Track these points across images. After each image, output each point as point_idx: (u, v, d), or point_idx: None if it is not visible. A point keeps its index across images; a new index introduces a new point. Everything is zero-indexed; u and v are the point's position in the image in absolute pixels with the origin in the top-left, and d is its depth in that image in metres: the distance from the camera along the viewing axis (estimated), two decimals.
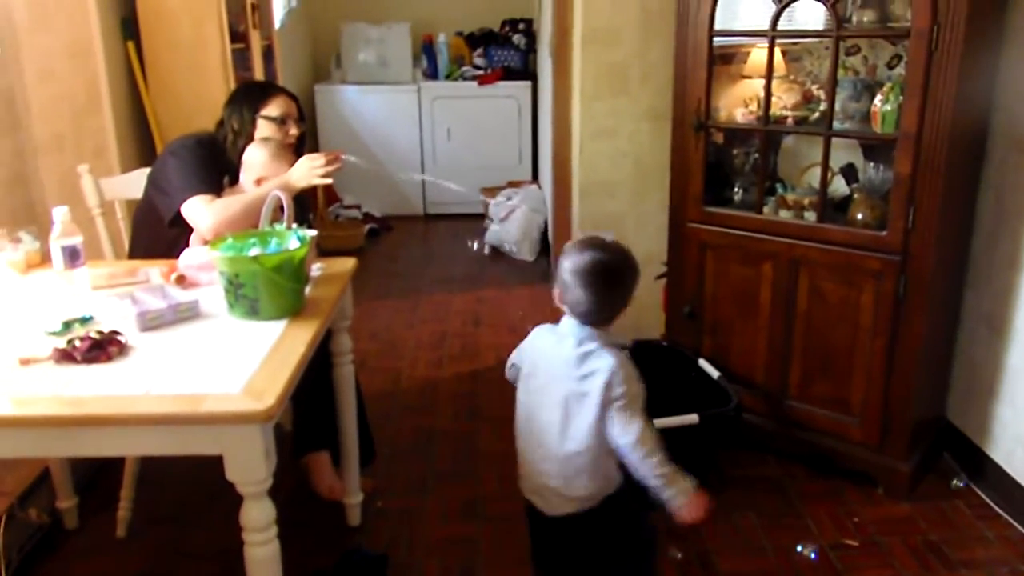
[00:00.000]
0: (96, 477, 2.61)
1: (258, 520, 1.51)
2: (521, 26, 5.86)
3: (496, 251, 5.07)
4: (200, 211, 2.20)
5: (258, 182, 2.24)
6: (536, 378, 1.80)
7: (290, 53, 5.16)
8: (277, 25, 4.62)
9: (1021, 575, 2.20)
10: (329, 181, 2.23)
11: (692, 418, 2.37)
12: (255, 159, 2.26)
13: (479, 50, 5.85)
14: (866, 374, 2.50)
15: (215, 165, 2.33)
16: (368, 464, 2.55)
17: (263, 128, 2.38)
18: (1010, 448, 2.48)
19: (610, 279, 1.72)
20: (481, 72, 5.76)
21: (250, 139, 2.34)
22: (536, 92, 5.61)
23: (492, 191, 5.49)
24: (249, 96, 2.42)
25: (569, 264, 1.73)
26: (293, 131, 2.42)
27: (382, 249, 5.23)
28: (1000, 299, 2.50)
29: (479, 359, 3.57)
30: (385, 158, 5.75)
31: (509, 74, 5.71)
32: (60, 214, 2.02)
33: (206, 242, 2.10)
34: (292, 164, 2.24)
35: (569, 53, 3.43)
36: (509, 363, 1.90)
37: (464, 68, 5.83)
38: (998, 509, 2.47)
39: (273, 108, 2.39)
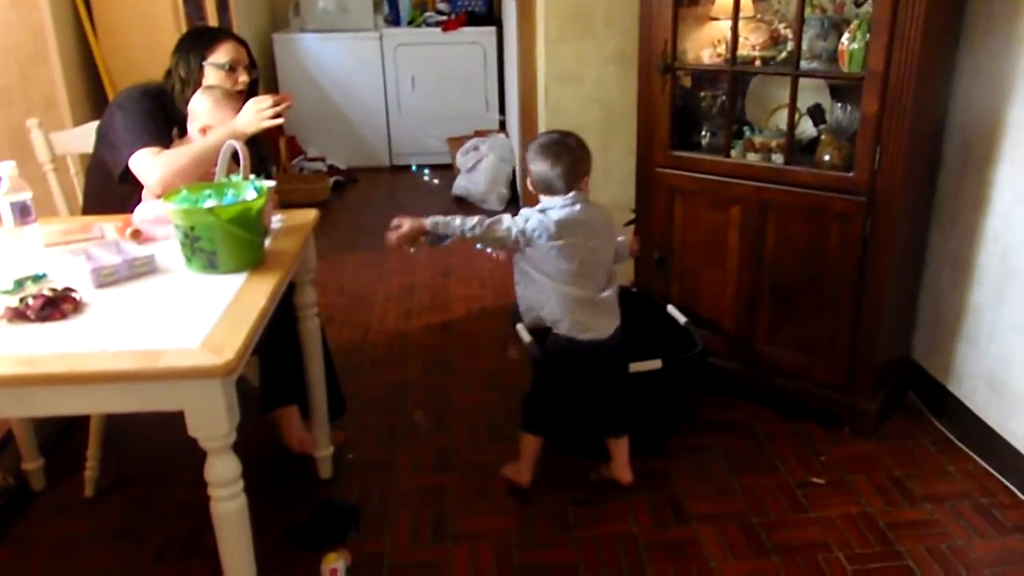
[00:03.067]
0: (62, 437, 2.58)
1: (223, 475, 1.49)
2: None
3: (464, 201, 5.02)
4: (146, 164, 2.14)
5: (204, 131, 2.17)
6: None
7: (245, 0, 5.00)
8: None
9: (982, 507, 2.25)
10: (280, 121, 2.14)
11: (655, 363, 2.37)
12: (200, 107, 2.18)
13: None
14: (833, 316, 2.52)
15: (163, 116, 2.25)
16: (338, 418, 2.53)
17: (211, 75, 2.29)
18: (972, 385, 2.52)
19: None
20: (444, 18, 5.64)
21: (198, 87, 2.26)
22: (502, 38, 5.50)
23: (459, 141, 5.41)
24: (196, 42, 2.33)
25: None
26: (242, 78, 2.33)
27: (348, 201, 5.16)
28: (965, 239, 2.52)
29: (449, 310, 3.55)
30: (348, 109, 5.64)
31: (473, 19, 5.60)
32: (7, 169, 1.96)
33: (159, 195, 2.04)
34: (240, 111, 2.17)
35: None
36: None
37: (427, 14, 5.71)
38: (960, 444, 2.52)
39: (221, 54, 2.31)
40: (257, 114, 2.11)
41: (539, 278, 2.19)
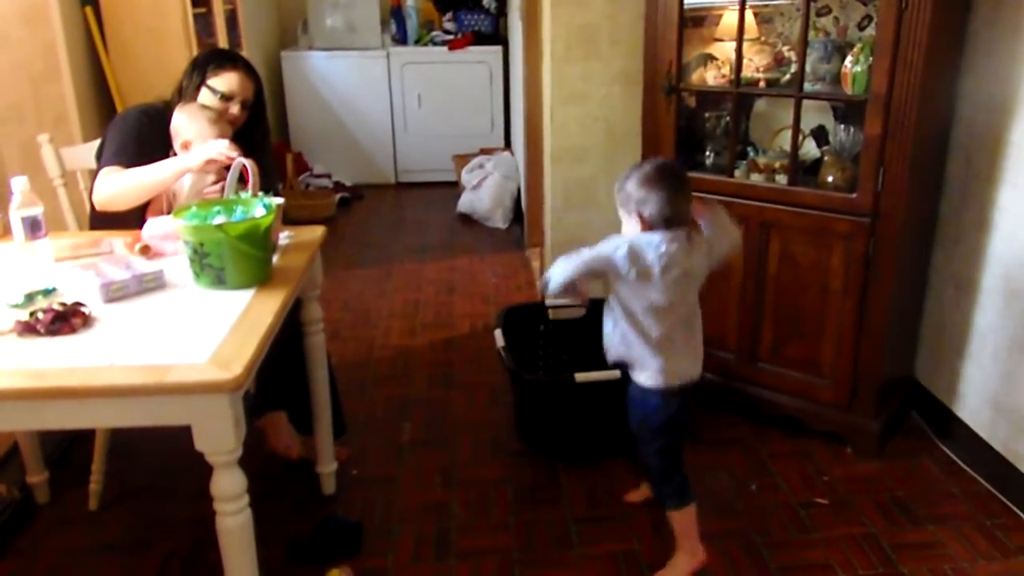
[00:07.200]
0: (67, 451, 2.59)
1: (229, 490, 1.50)
2: None
3: (468, 219, 5.05)
4: (97, 182, 2.18)
5: (185, 146, 2.17)
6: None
7: (255, 18, 5.06)
8: None
9: (986, 529, 2.25)
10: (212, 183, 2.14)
11: (614, 374, 2.35)
12: (178, 123, 2.19)
13: (449, 14, 5.77)
14: (836, 335, 2.52)
15: (156, 138, 2.24)
16: (338, 438, 2.52)
17: (204, 96, 2.29)
18: (976, 406, 2.52)
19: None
20: (451, 37, 5.69)
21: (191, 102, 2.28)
22: (507, 57, 5.55)
23: (464, 159, 5.45)
24: (207, 61, 2.33)
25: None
26: (233, 110, 2.31)
27: (353, 218, 5.18)
28: (968, 260, 2.53)
29: (453, 327, 3.57)
30: (355, 126, 5.68)
31: (480, 39, 5.65)
32: (19, 184, 1.98)
33: (169, 210, 2.06)
34: (219, 127, 2.18)
35: (539, 15, 3.39)
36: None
37: (434, 33, 5.75)
38: (963, 465, 2.52)
39: (221, 81, 2.29)
40: (211, 150, 2.06)
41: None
